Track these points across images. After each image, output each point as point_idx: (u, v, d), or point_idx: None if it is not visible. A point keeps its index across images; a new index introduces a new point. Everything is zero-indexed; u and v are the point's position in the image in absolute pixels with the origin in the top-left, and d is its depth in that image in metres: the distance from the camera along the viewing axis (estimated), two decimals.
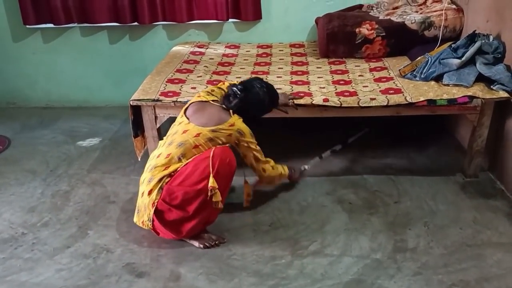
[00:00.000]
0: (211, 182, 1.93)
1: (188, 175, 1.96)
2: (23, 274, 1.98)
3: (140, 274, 1.97)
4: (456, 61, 2.45)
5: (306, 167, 2.56)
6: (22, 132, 3.41)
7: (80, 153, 3.05)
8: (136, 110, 2.53)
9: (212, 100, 2.17)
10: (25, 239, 2.21)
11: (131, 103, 2.48)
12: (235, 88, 2.12)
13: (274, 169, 2.27)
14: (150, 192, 1.99)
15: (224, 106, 2.14)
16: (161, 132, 2.58)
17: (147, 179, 2.02)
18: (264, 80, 2.26)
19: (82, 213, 2.39)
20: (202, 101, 2.17)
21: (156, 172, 2.01)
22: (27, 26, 3.53)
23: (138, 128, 2.58)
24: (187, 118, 2.10)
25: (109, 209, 2.42)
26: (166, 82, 2.70)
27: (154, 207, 1.97)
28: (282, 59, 3.17)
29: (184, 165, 1.99)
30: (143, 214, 2.04)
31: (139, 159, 2.63)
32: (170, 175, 2.00)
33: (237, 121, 2.09)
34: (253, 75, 2.81)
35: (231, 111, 2.12)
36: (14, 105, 3.90)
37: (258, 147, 2.17)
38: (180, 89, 2.59)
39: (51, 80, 3.82)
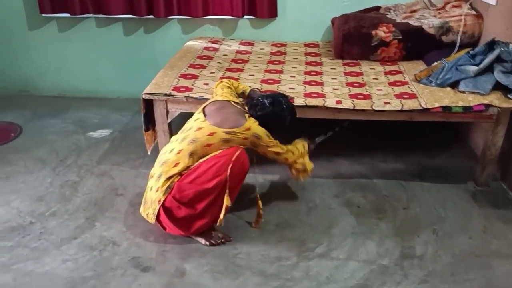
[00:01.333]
0: (226, 201, 1.98)
1: (200, 173, 1.96)
2: (29, 263, 1.99)
3: (146, 268, 1.97)
4: (473, 68, 2.42)
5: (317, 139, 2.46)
6: (33, 120, 3.43)
7: (90, 144, 3.06)
8: (148, 104, 2.52)
9: (234, 102, 2.16)
10: (33, 228, 2.22)
11: (143, 96, 2.48)
12: (265, 100, 2.14)
13: (296, 153, 2.21)
14: (158, 189, 1.99)
15: (245, 110, 2.14)
16: (172, 127, 2.58)
17: (157, 175, 2.02)
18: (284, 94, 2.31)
19: (90, 204, 2.40)
20: (223, 100, 2.17)
21: (166, 168, 2.00)
22: (43, 15, 3.54)
23: (149, 121, 2.58)
24: (204, 115, 2.10)
25: (117, 202, 2.42)
26: (179, 77, 2.69)
27: (160, 205, 1.97)
28: (296, 58, 3.15)
29: (198, 164, 1.99)
30: (149, 207, 2.04)
31: (149, 153, 2.63)
32: (180, 174, 1.99)
33: (252, 125, 2.07)
34: (267, 73, 2.80)
35: (247, 115, 2.12)
36: (27, 93, 3.92)
37: (275, 143, 2.13)
38: (192, 85, 2.58)
39: (64, 70, 3.83)
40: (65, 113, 3.55)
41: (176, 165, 2.00)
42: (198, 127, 2.05)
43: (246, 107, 2.22)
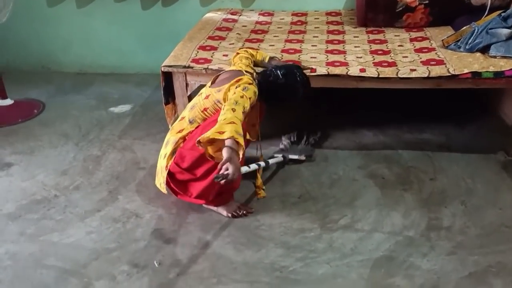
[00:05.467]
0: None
1: None
2: (55, 235, 2.02)
3: (168, 240, 1.98)
4: (505, 31, 2.29)
5: (247, 168, 2.05)
6: (56, 96, 3.45)
7: (112, 119, 3.06)
8: (168, 77, 2.50)
9: (246, 71, 2.10)
10: (58, 201, 2.25)
11: (162, 69, 2.45)
12: (278, 72, 2.05)
13: (233, 119, 1.73)
14: (165, 156, 2.03)
15: (256, 79, 2.08)
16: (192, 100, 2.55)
17: (165, 142, 2.08)
18: (302, 67, 2.25)
19: (112, 178, 2.41)
20: (236, 70, 2.12)
21: (171, 135, 2.05)
22: None
23: (169, 95, 2.56)
24: (211, 83, 2.08)
25: (139, 175, 2.43)
26: (198, 48, 2.64)
27: (167, 170, 1.99)
28: (318, 27, 3.05)
29: (197, 129, 1.99)
30: (160, 176, 2.07)
31: (170, 126, 2.61)
32: (184, 139, 2.01)
33: (245, 78, 1.94)
34: (288, 43, 2.73)
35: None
36: (49, 69, 3.94)
37: (242, 99, 1.82)
38: (211, 56, 2.54)
39: (85, 45, 3.83)
40: (87, 88, 3.56)
41: (180, 131, 2.04)
42: (200, 93, 2.07)
43: (257, 76, 2.12)
